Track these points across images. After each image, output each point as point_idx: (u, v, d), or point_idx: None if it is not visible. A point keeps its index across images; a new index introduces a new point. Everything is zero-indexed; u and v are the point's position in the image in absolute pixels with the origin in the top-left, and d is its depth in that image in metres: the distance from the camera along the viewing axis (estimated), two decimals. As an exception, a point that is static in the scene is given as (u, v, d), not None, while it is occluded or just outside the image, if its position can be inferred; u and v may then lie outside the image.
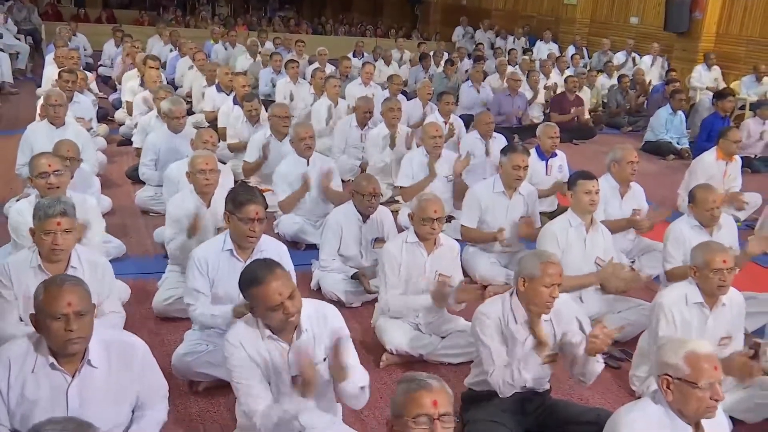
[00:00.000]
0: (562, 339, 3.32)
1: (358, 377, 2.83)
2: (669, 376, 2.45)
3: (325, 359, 2.87)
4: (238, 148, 7.14)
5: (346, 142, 7.42)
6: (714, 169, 6.69)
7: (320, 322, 2.89)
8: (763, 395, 3.59)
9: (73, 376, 2.52)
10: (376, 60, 12.69)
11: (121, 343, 2.68)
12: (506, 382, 3.20)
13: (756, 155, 9.16)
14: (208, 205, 4.45)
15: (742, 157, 7.37)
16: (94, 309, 2.55)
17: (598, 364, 3.21)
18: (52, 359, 2.49)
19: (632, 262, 5.42)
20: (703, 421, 2.49)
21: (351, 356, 2.87)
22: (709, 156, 6.80)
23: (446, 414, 2.09)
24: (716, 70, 12.47)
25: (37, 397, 2.49)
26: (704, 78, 12.33)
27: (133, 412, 2.75)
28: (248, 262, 3.52)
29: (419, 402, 2.09)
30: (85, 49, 13.11)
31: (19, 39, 13.18)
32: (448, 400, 2.13)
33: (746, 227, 6.44)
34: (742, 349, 3.55)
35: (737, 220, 5.78)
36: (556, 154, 6.42)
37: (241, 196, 3.55)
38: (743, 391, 3.62)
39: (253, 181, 6.41)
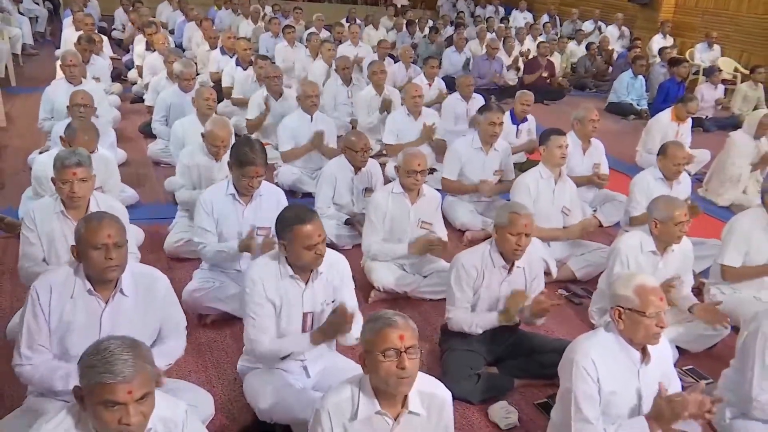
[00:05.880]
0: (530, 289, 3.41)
1: (355, 329, 2.77)
2: (621, 307, 2.49)
3: (333, 301, 2.89)
4: (242, 103, 7.12)
5: (335, 99, 7.34)
6: (668, 129, 6.69)
7: (333, 268, 2.92)
8: (705, 327, 3.67)
9: (106, 303, 2.53)
10: (366, 26, 12.49)
11: (147, 276, 2.68)
12: (458, 324, 3.34)
13: (707, 116, 9.17)
14: (218, 160, 4.47)
15: (695, 118, 7.38)
16: (127, 242, 2.55)
17: (540, 319, 3.38)
18: (89, 285, 2.50)
19: (594, 210, 5.48)
20: (649, 348, 2.55)
21: (353, 304, 2.91)
22: (665, 117, 6.79)
23: (412, 347, 2.10)
24: (670, 39, 12.36)
25: (74, 320, 2.49)
26: (661, 45, 12.21)
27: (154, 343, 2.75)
28: (248, 205, 3.69)
29: (387, 337, 2.08)
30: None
31: (38, 4, 12.83)
32: (413, 334, 2.13)
33: (696, 180, 6.50)
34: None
35: (688, 174, 5.84)
36: (527, 120, 6.40)
37: (243, 157, 3.54)
38: (688, 324, 3.71)
39: (254, 135, 6.37)
